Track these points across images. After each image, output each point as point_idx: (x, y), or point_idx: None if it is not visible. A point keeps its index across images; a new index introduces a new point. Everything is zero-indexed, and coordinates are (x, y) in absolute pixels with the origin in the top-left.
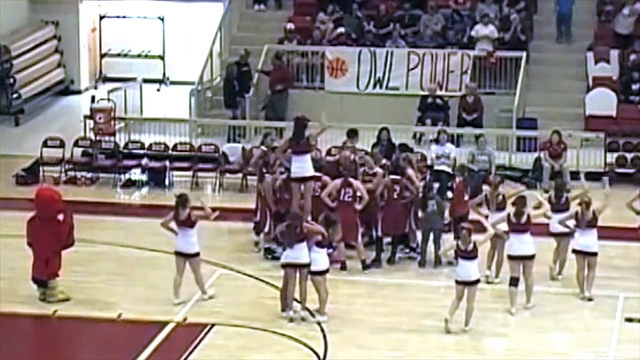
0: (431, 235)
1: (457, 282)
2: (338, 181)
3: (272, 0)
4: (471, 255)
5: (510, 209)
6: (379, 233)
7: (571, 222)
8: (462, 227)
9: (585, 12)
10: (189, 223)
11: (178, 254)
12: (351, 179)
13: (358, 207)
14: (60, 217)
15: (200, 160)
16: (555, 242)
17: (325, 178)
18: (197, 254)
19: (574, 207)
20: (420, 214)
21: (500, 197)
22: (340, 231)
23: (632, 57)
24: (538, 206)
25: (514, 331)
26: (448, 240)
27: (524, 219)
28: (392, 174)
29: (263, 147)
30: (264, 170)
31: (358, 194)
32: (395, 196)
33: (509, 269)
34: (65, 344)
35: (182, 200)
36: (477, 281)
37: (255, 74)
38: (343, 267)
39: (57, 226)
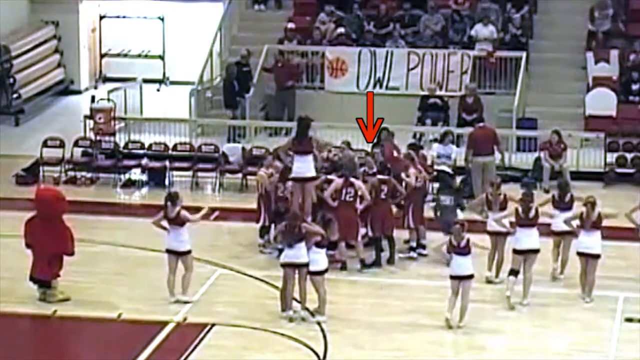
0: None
1: (452, 277)
2: (340, 181)
3: (272, 0)
4: (464, 251)
5: (517, 205)
6: (370, 233)
7: (575, 222)
8: (456, 222)
9: (585, 12)
10: (178, 221)
11: (169, 251)
12: (352, 179)
13: (359, 206)
14: (64, 217)
15: (200, 160)
16: (557, 241)
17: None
18: (189, 252)
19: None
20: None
21: (502, 197)
22: (337, 231)
23: (632, 57)
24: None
25: (514, 331)
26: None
27: (532, 214)
28: (380, 173)
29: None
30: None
31: (359, 193)
32: (382, 196)
33: (511, 262)
34: (65, 344)
35: (170, 197)
36: (471, 276)
37: (255, 74)
38: (343, 267)
39: (60, 226)
